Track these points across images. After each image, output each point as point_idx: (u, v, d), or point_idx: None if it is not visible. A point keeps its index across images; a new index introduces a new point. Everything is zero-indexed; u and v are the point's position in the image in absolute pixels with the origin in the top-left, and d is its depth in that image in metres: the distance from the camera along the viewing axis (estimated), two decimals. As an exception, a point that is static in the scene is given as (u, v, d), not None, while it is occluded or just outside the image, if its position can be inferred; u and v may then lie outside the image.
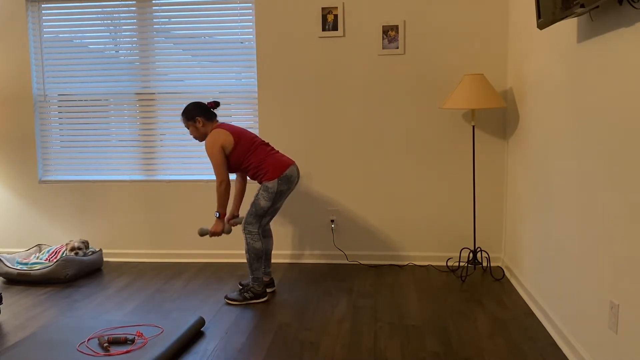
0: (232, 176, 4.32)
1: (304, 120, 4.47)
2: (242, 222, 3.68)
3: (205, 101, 3.79)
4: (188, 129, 3.70)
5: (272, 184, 3.55)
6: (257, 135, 3.81)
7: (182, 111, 3.69)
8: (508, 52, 4.22)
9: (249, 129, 4.23)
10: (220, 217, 3.62)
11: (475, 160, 4.36)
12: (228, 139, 3.56)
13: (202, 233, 3.69)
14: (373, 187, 4.47)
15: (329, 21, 4.35)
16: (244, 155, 3.59)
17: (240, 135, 3.60)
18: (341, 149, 4.47)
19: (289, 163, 3.62)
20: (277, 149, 4.50)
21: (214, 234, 3.64)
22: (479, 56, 4.27)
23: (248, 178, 4.00)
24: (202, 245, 4.67)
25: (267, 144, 3.70)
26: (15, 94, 4.71)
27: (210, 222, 4.62)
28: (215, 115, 3.70)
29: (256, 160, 3.59)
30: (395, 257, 4.50)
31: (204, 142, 3.71)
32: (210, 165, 4.60)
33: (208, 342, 3.05)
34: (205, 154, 4.57)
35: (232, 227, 3.73)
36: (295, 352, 2.91)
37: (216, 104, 3.71)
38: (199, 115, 3.63)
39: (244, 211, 4.45)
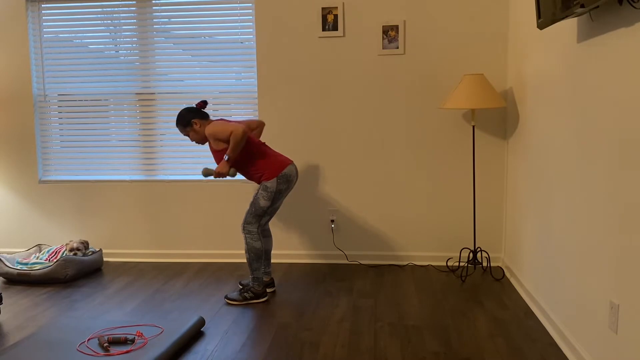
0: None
1: (303, 120, 4.47)
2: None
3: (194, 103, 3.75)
4: (188, 136, 3.67)
5: (271, 183, 3.54)
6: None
7: (176, 121, 3.66)
8: (508, 52, 4.22)
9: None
10: (229, 160, 3.54)
11: (476, 160, 4.36)
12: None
13: (207, 173, 3.60)
14: (373, 187, 4.47)
15: (329, 21, 4.35)
16: (241, 153, 3.58)
17: None
18: (341, 149, 4.47)
19: (287, 162, 3.62)
20: (277, 148, 4.51)
21: (219, 174, 3.54)
22: (479, 56, 4.27)
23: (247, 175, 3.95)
24: (202, 245, 4.67)
25: (264, 144, 3.69)
26: (15, 94, 4.70)
27: (210, 221, 4.63)
28: (207, 114, 3.68)
29: (254, 159, 3.58)
30: (395, 257, 4.50)
31: (206, 143, 3.68)
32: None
33: (208, 342, 3.05)
34: (205, 154, 4.58)
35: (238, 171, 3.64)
36: (295, 352, 2.90)
37: (205, 103, 3.70)
38: (194, 118, 3.61)
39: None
